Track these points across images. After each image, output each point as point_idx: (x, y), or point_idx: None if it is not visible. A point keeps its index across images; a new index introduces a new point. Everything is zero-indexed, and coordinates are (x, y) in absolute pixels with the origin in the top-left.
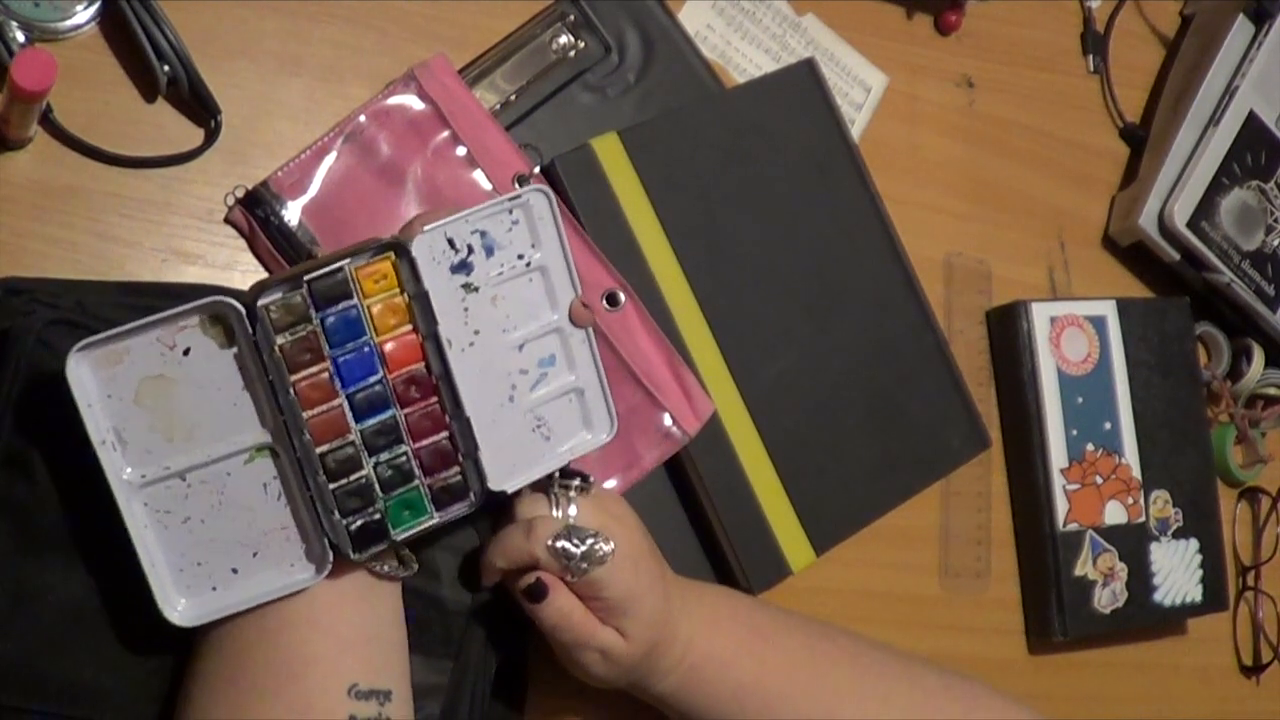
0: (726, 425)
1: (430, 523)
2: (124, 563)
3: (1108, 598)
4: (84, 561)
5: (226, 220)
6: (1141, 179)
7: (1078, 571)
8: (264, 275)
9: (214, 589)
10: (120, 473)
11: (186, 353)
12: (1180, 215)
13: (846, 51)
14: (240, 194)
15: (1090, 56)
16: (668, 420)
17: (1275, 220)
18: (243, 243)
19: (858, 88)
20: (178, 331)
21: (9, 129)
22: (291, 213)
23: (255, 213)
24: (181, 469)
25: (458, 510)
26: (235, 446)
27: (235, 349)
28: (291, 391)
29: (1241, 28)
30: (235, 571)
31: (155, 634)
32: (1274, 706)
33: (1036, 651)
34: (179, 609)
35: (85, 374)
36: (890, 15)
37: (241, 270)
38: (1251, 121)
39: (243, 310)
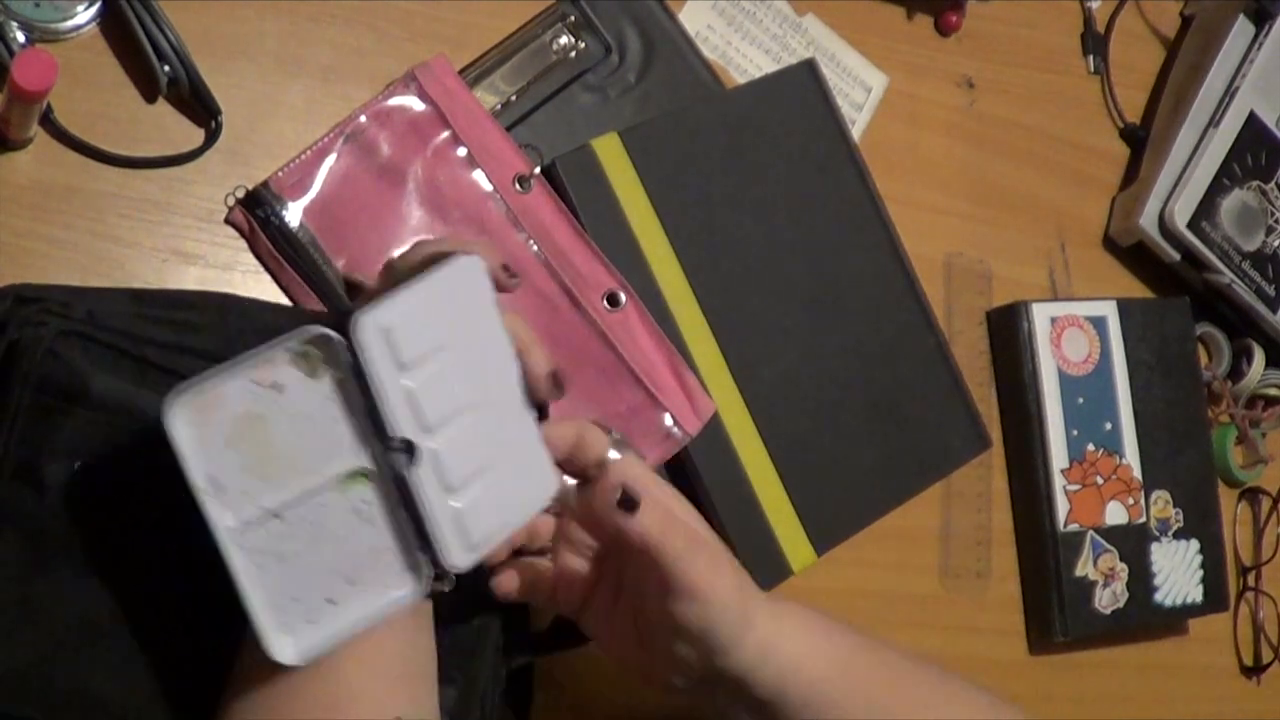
0: (727, 425)
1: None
2: (138, 578)
3: (1108, 598)
4: (95, 575)
5: (227, 221)
6: (1142, 179)
7: (1078, 572)
8: (264, 276)
9: (310, 623)
10: (223, 522)
11: (279, 388)
12: (1181, 216)
13: (847, 52)
14: (241, 194)
15: (1090, 56)
16: (669, 420)
17: (1276, 221)
18: (243, 243)
19: (858, 88)
20: (271, 368)
21: (9, 129)
22: (292, 213)
23: (256, 213)
24: (277, 507)
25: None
26: (330, 476)
27: (329, 378)
28: None
29: (1242, 28)
30: (332, 603)
31: (166, 651)
32: (1274, 707)
33: (1037, 652)
34: (290, 650)
35: (180, 423)
36: (890, 15)
37: (242, 270)
38: (1252, 122)
39: (343, 340)
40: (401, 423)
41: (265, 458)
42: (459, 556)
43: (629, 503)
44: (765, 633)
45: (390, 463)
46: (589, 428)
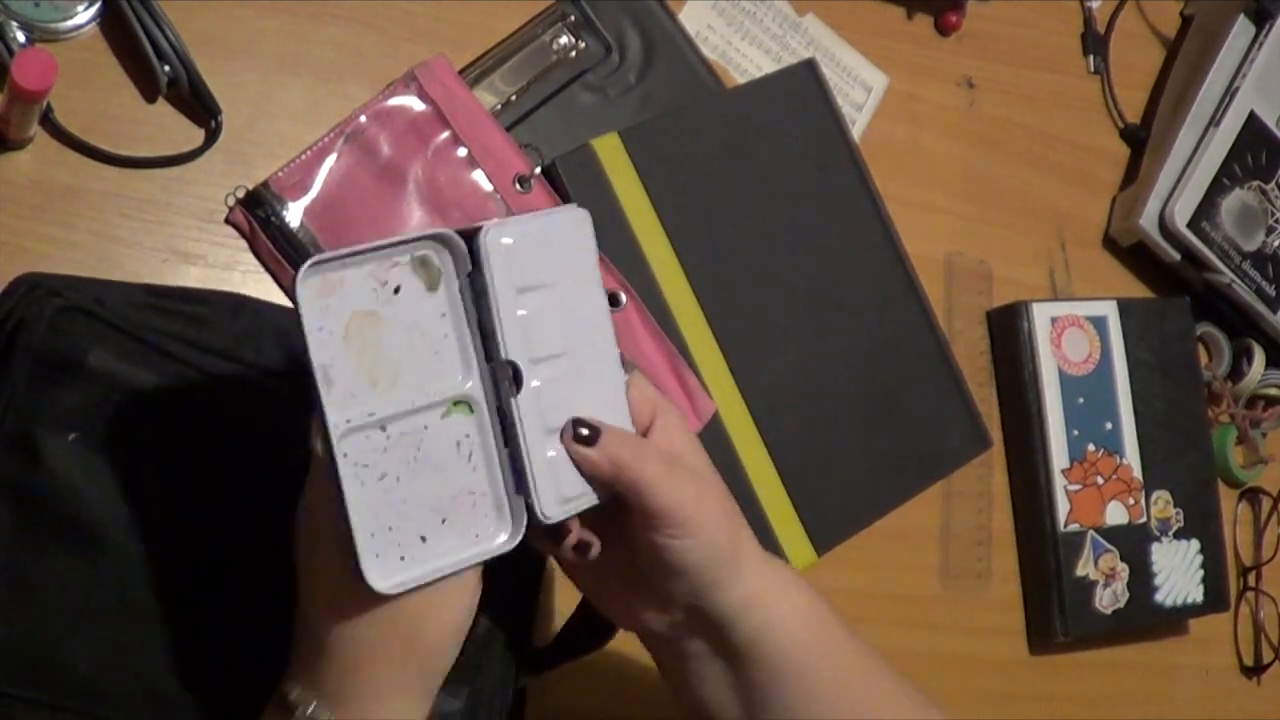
0: (727, 425)
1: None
2: (132, 558)
3: (1109, 598)
4: (89, 553)
5: (227, 220)
6: (1142, 179)
7: (1079, 572)
8: (265, 276)
9: (402, 558)
10: (333, 417)
11: (397, 291)
12: (1181, 215)
13: (847, 51)
14: (241, 194)
15: (1090, 56)
16: None
17: (1276, 221)
18: (243, 243)
19: (858, 88)
20: (391, 267)
21: (9, 129)
22: (292, 213)
23: (256, 213)
24: (384, 417)
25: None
26: (435, 397)
27: (444, 294)
28: None
29: (1242, 28)
30: (424, 540)
31: (157, 635)
32: (1274, 707)
33: (1037, 652)
34: (380, 581)
35: (310, 296)
36: (890, 15)
37: (242, 270)
38: (1252, 122)
39: (464, 245)
40: (512, 345)
41: (376, 362)
42: (552, 507)
43: (588, 435)
44: (754, 577)
45: (495, 385)
46: None
